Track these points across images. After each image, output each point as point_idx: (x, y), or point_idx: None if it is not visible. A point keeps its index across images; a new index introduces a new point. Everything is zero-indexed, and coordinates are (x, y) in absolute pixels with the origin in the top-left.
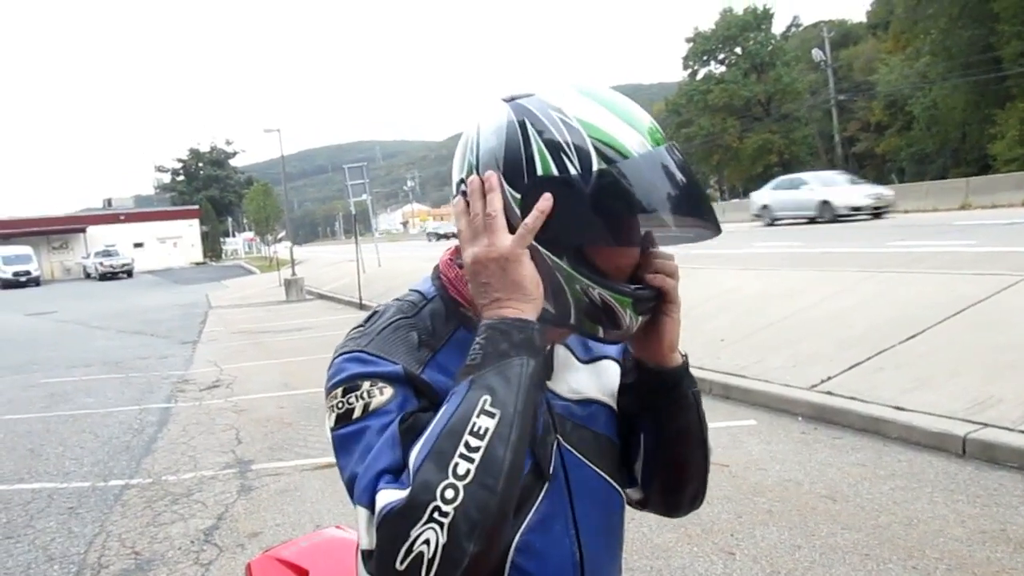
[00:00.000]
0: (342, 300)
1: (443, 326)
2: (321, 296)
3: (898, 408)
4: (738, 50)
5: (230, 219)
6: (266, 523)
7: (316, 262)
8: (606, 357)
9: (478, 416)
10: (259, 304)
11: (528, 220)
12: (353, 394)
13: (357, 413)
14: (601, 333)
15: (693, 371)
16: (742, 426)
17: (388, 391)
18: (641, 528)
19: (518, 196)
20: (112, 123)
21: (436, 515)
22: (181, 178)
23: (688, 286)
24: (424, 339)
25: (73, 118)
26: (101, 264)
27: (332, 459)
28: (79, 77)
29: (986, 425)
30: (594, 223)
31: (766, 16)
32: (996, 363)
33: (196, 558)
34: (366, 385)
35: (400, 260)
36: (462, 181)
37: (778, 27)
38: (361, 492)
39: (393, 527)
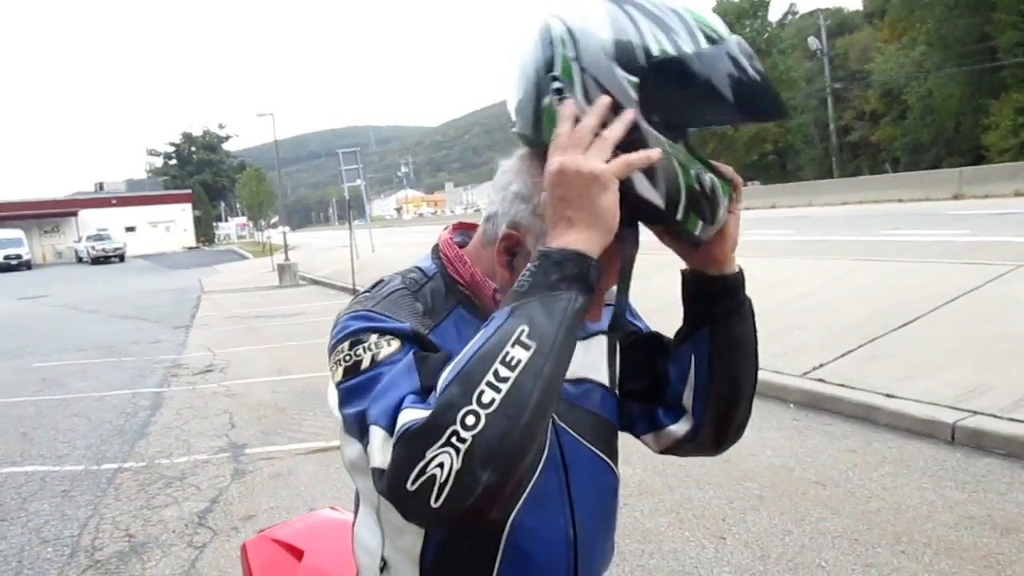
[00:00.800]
0: (336, 286)
1: (442, 304)
2: (315, 282)
3: (889, 395)
4: None
5: (223, 204)
6: (260, 506)
7: (309, 247)
8: (599, 333)
9: (512, 346)
10: (252, 289)
11: (632, 157)
12: (361, 346)
13: (365, 364)
14: (699, 230)
15: None
16: None
17: (396, 343)
18: (633, 512)
19: (635, 80)
20: (103, 106)
21: (454, 439)
22: (173, 162)
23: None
24: (427, 312)
25: (64, 100)
26: (93, 248)
27: (325, 443)
28: (70, 59)
29: (975, 413)
30: (709, 103)
31: (762, 3)
32: (987, 352)
33: (190, 541)
34: (374, 338)
35: (394, 246)
36: (557, 79)
37: (774, 15)
38: (380, 413)
39: (409, 445)
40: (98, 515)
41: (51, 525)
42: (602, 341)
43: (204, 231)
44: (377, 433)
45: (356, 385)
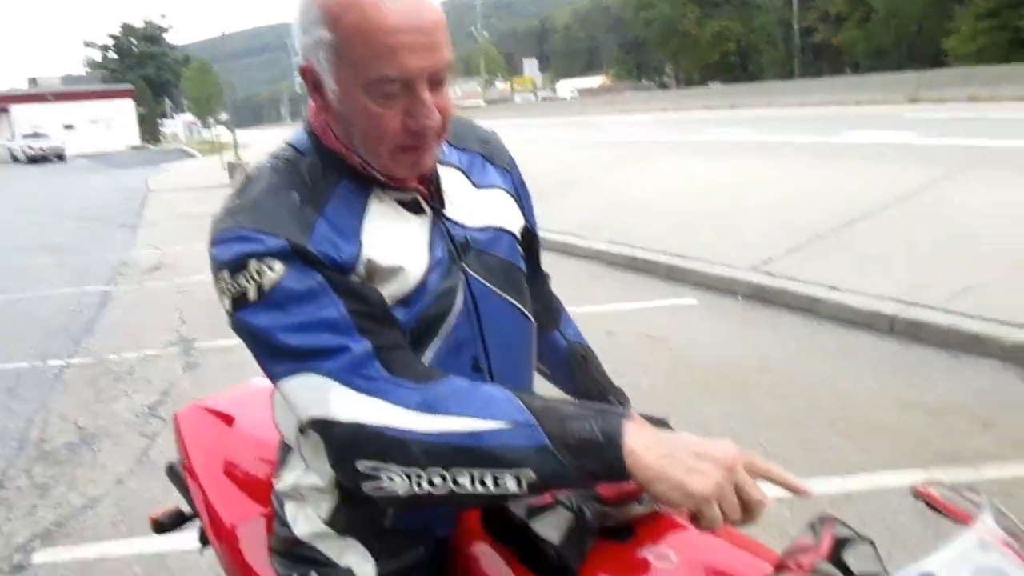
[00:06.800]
0: None
1: (323, 181)
2: None
3: (834, 288)
4: None
5: (167, 100)
6: None
7: (261, 146)
8: (496, 187)
9: (511, 475)
10: (202, 188)
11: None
12: (241, 274)
13: (252, 295)
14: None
15: (640, 252)
16: (684, 305)
17: (278, 266)
18: None
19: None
20: None
21: (414, 478)
22: (113, 55)
23: (641, 172)
24: (306, 198)
25: None
26: (29, 147)
27: None
28: None
29: (915, 304)
30: None
31: None
32: (929, 249)
33: (141, 430)
34: (253, 264)
35: None
36: None
37: None
38: (337, 365)
39: (382, 445)
40: (45, 409)
41: None
42: (500, 194)
43: (149, 129)
44: (323, 383)
45: (250, 314)
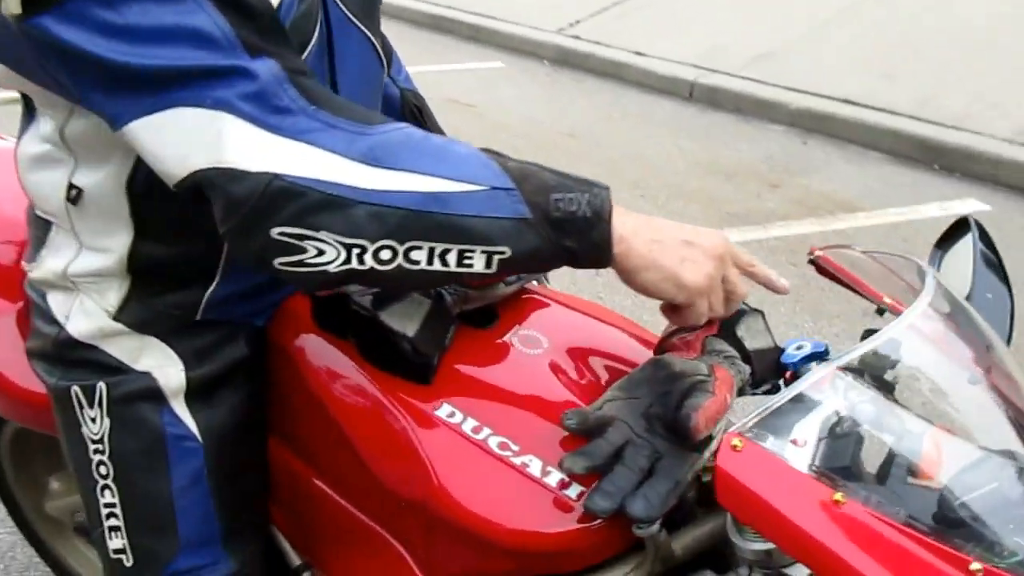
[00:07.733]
0: None
1: None
2: None
3: (638, 54)
4: None
5: None
6: None
7: None
8: None
9: (481, 252)
10: None
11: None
12: None
13: None
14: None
15: (445, 11)
16: (489, 68)
17: None
18: None
19: None
20: None
21: (356, 252)
22: None
23: None
24: None
25: None
26: None
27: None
28: None
29: (713, 71)
30: None
31: None
32: (732, 15)
33: None
34: None
35: None
36: None
37: None
38: (254, 97)
39: (315, 207)
40: None
41: None
42: None
43: None
44: (211, 118)
45: (57, 19)
